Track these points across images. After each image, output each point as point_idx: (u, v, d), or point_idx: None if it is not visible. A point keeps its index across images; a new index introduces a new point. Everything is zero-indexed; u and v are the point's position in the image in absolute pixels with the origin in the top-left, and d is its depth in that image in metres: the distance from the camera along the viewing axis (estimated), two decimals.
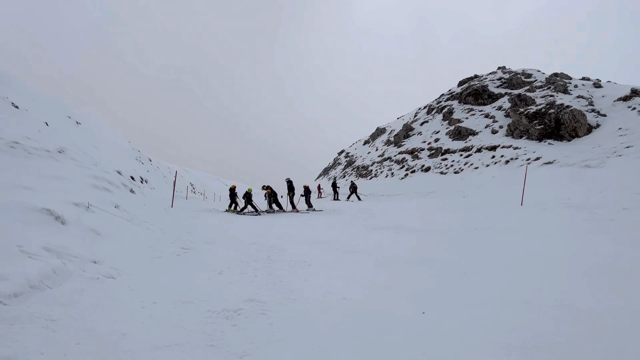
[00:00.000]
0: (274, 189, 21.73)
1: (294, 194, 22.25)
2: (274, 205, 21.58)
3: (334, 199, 29.07)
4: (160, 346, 4.35)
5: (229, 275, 7.33)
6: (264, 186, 21.76)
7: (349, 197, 28.50)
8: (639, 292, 6.04)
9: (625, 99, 28.15)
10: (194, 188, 61.30)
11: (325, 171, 67.37)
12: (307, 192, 23.49)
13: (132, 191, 15.77)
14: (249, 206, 20.41)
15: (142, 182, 23.72)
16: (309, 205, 22.73)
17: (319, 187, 37.62)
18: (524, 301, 5.84)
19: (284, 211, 21.35)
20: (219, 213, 19.10)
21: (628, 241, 9.38)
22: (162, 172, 45.62)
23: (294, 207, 21.86)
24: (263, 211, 20.68)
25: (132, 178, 21.06)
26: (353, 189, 28.16)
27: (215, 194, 51.91)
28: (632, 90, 28.39)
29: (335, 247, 10.13)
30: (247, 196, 20.35)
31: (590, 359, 3.98)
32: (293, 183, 22.36)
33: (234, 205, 21.29)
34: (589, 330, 4.69)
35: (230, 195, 21.51)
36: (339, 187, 30.84)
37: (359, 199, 27.66)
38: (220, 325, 5.01)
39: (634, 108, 26.39)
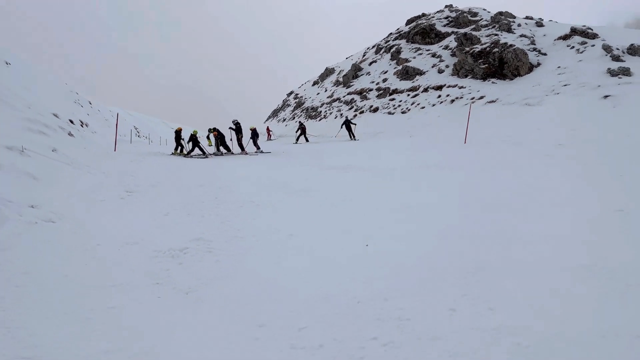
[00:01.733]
0: (221, 131, 21.31)
1: (242, 136, 21.84)
2: (221, 148, 21.21)
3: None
4: (105, 286, 4.32)
5: (175, 217, 7.26)
6: (211, 129, 21.26)
7: (297, 139, 27.62)
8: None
9: (564, 37, 28.86)
10: (138, 132, 59.25)
11: (275, 113, 66.46)
12: (254, 134, 23.16)
13: (70, 134, 15.03)
14: (196, 149, 19.98)
15: (82, 125, 22.61)
16: (257, 147, 22.51)
17: (267, 129, 37.20)
18: (460, 235, 6.13)
19: (232, 154, 21.06)
20: (165, 156, 18.61)
21: (558, 172, 9.92)
22: (103, 115, 43.57)
23: (242, 149, 21.57)
24: (210, 154, 20.32)
25: (71, 121, 20.00)
26: (302, 130, 27.45)
27: (161, 138, 50.45)
28: (571, 29, 29.10)
29: (284, 188, 10.15)
30: (193, 139, 19.85)
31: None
32: (241, 125, 21.92)
33: (180, 148, 20.75)
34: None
35: (176, 138, 20.85)
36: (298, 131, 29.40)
37: (307, 140, 27.26)
38: (166, 264, 5.01)
39: (573, 47, 27.16)
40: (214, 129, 21.07)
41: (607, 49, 24.47)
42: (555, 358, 3.15)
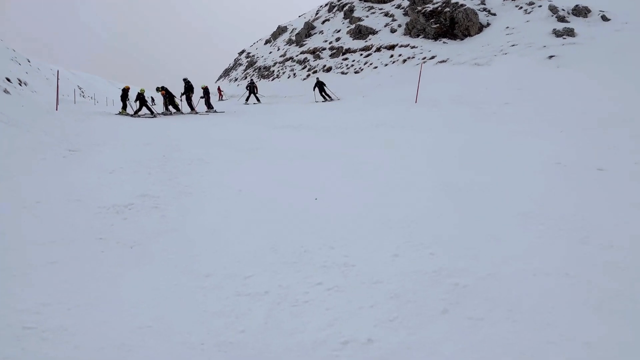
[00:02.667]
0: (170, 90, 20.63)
1: (192, 94, 21.18)
2: (170, 107, 20.59)
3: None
4: (45, 242, 4.20)
5: (120, 174, 7.05)
6: (159, 87, 20.55)
7: (247, 99, 26.44)
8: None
9: None
10: (82, 92, 56.71)
11: (226, 72, 64.87)
12: (206, 93, 22.57)
13: (6, 91, 14.22)
14: (143, 108, 19.30)
15: (20, 84, 21.46)
16: (209, 106, 22.00)
17: (219, 89, 36.37)
18: (405, 188, 6.30)
19: (181, 113, 20.52)
20: (112, 116, 17.90)
21: (504, 129, 10.27)
22: (44, 74, 41.38)
23: (192, 108, 21.02)
24: (159, 113, 19.74)
25: (8, 80, 18.94)
26: (253, 88, 25.90)
27: (107, 98, 48.40)
28: None
29: (234, 146, 10.02)
30: (140, 97, 19.14)
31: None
32: (192, 83, 21.26)
33: (127, 107, 19.96)
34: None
35: (122, 97, 19.96)
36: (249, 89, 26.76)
37: (258, 100, 26.05)
38: (110, 220, 4.91)
39: (521, 7, 27.60)
40: (162, 87, 20.38)
41: (553, 9, 25.02)
42: (490, 295, 3.34)
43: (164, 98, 20.36)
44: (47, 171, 6.99)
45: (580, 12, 24.33)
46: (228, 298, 3.45)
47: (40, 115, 12.86)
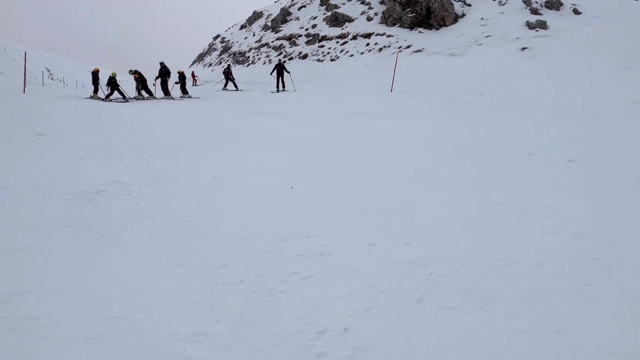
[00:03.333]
0: (143, 74, 20.17)
1: (168, 79, 20.76)
2: (143, 92, 20.16)
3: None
4: (11, 229, 4.08)
5: (91, 160, 6.87)
6: (132, 70, 20.06)
7: (226, 86, 24.94)
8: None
9: None
10: (51, 74, 55.12)
11: (200, 57, 63.81)
12: (182, 78, 22.20)
13: None
14: (115, 92, 18.78)
15: None
16: (184, 92, 21.65)
17: (193, 74, 35.77)
18: (382, 177, 6.34)
19: (154, 98, 20.13)
20: (82, 100, 17.38)
21: (477, 119, 10.40)
22: (10, 55, 40.11)
23: (167, 93, 20.62)
24: (131, 98, 19.31)
25: None
26: (229, 74, 24.59)
27: (77, 81, 47.13)
28: None
29: (208, 132, 9.88)
30: (112, 81, 18.59)
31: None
32: (168, 67, 20.82)
33: (99, 91, 19.36)
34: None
35: (93, 81, 19.29)
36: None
37: (236, 87, 24.42)
38: (80, 207, 4.79)
39: None
40: (135, 71, 19.89)
41: (526, 2, 25.36)
42: (464, 284, 3.39)
43: (136, 82, 19.91)
44: (13, 156, 6.78)
45: (553, 4, 24.72)
46: (203, 287, 3.42)
47: (6, 98, 12.47)
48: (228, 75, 24.90)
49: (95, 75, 19.01)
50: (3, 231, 4.02)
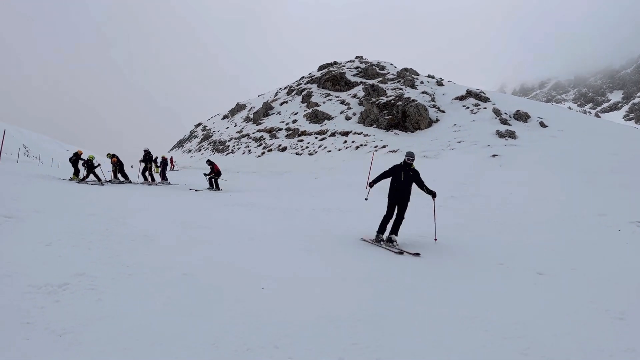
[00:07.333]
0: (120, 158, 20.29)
1: (153, 166, 20.84)
2: (119, 176, 20.16)
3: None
4: None
5: (58, 248, 6.64)
6: (109, 154, 20.17)
7: (214, 186, 20.10)
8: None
9: (461, 98, 31.59)
10: (27, 151, 54.87)
11: (180, 143, 64.82)
12: (164, 164, 22.48)
13: None
14: (91, 175, 18.69)
15: None
16: (164, 178, 21.79)
17: (171, 160, 36.13)
18: (355, 279, 6.28)
19: (130, 182, 20.11)
20: (55, 180, 17.22)
21: (450, 220, 10.60)
22: None
23: (145, 179, 20.68)
24: (107, 181, 19.24)
25: None
26: (214, 173, 20.22)
27: (53, 159, 46.88)
28: (467, 91, 31.98)
29: (182, 222, 9.78)
30: (89, 164, 18.56)
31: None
32: (152, 155, 21.02)
33: (78, 172, 19.12)
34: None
35: (74, 162, 18.98)
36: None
37: (218, 187, 20.01)
38: (40, 301, 4.54)
39: (468, 107, 29.79)
40: (113, 154, 20.01)
41: (497, 112, 27.02)
42: None
43: (113, 165, 19.95)
44: None
45: (521, 116, 26.37)
46: None
47: None
48: (213, 173, 20.46)
49: (77, 156, 18.83)
50: None
